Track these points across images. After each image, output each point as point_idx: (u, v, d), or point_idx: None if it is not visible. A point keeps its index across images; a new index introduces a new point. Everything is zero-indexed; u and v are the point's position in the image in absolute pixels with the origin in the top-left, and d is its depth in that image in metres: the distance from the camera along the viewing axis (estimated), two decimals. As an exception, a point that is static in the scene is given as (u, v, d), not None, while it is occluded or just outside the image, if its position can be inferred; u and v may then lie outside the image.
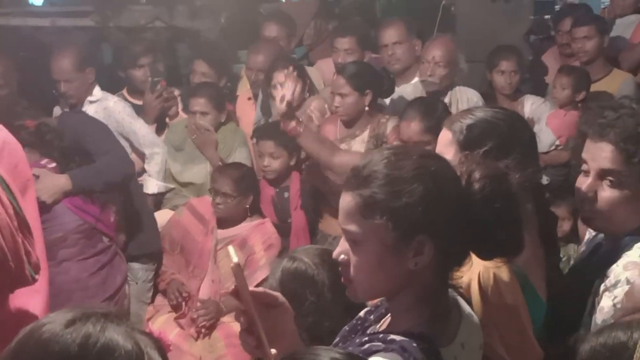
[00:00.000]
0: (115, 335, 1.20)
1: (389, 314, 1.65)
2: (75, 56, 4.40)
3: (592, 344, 1.31)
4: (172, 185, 4.49)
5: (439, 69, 4.18)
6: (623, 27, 5.27)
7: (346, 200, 1.55)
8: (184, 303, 3.96)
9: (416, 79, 4.37)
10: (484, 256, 1.62)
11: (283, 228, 4.10)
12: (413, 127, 3.46)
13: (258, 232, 3.94)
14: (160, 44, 4.95)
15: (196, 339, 3.85)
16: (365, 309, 1.74)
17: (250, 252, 3.89)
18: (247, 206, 3.97)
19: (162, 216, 4.31)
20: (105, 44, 5.66)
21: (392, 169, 1.51)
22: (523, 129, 2.10)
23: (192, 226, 4.06)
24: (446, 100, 4.22)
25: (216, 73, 4.80)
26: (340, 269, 1.58)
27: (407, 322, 1.53)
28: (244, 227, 3.98)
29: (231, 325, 3.80)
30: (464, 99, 4.24)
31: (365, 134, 3.96)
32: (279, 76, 4.31)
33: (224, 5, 5.40)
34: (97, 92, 4.45)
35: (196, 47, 5.21)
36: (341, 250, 1.57)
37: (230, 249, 1.46)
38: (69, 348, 1.17)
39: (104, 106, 4.41)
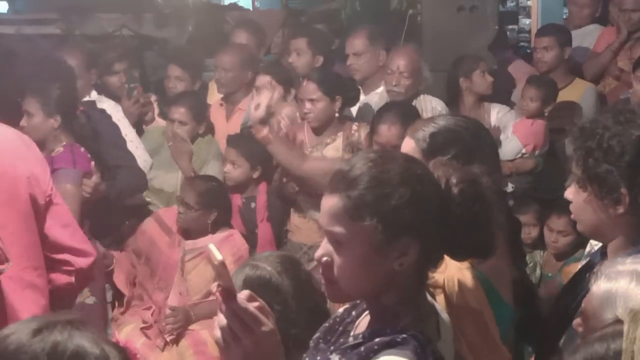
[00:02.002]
0: (83, 342, 1.20)
1: (366, 313, 1.67)
2: (83, 56, 4.45)
3: None
4: (147, 198, 4.45)
5: (404, 79, 4.22)
6: (581, 38, 5.35)
7: (331, 202, 1.56)
8: (150, 314, 3.93)
9: (382, 88, 4.41)
10: (458, 257, 1.67)
11: (251, 239, 4.10)
12: (393, 131, 3.46)
13: (227, 244, 3.91)
14: (130, 51, 4.92)
15: (162, 349, 3.83)
16: (343, 308, 1.75)
17: None
18: (210, 222, 3.93)
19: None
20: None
21: (380, 172, 1.55)
22: (485, 137, 2.15)
23: (158, 237, 4.03)
24: (411, 109, 4.25)
25: (190, 77, 4.80)
26: (321, 270, 1.59)
27: (390, 322, 1.55)
28: (212, 240, 3.95)
29: (200, 332, 3.80)
30: (429, 107, 4.28)
31: (338, 142, 3.97)
32: (264, 80, 4.34)
33: (191, 13, 5.39)
34: (93, 94, 4.50)
35: (166, 53, 5.20)
36: (324, 252, 1.58)
37: (212, 247, 1.41)
38: (38, 357, 1.16)
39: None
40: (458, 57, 4.65)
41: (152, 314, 3.94)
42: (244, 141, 4.18)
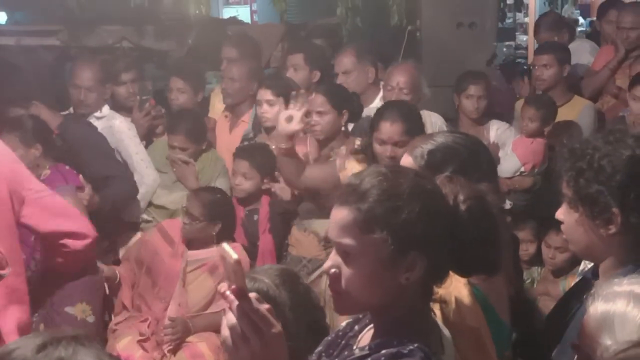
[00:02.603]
0: (87, 358, 1.19)
1: (370, 326, 1.67)
2: (100, 69, 4.48)
3: None
4: (148, 217, 4.45)
5: (403, 95, 4.21)
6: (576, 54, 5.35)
7: (341, 214, 1.57)
8: (147, 326, 3.93)
9: (377, 102, 4.41)
10: (464, 273, 1.69)
11: (252, 251, 4.10)
12: (395, 128, 3.42)
13: None
14: (138, 62, 4.95)
15: (160, 360, 3.83)
16: (346, 322, 1.75)
17: (221, 277, 3.86)
18: (214, 233, 3.92)
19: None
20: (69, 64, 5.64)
21: (391, 186, 1.56)
22: (483, 154, 2.15)
23: (161, 247, 4.02)
24: (410, 124, 4.26)
25: (192, 88, 4.80)
26: (328, 282, 1.60)
27: (396, 335, 1.55)
28: (214, 252, 3.94)
29: (198, 345, 3.79)
30: (428, 122, 4.27)
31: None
32: (264, 94, 4.36)
33: (192, 26, 5.41)
34: (105, 109, 4.50)
35: (167, 65, 5.22)
36: (332, 263, 1.59)
37: (226, 246, 1.40)
38: None
39: (110, 124, 4.44)
40: (461, 73, 4.66)
41: (148, 326, 3.92)
42: (256, 153, 4.20)
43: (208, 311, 3.93)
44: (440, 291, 1.73)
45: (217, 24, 5.86)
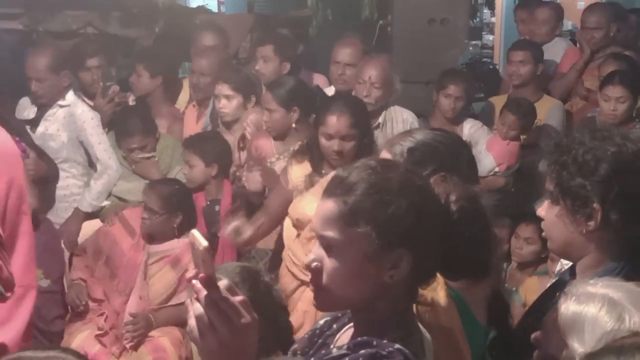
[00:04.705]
0: None
1: (349, 325, 1.63)
2: (53, 57, 4.34)
3: None
4: (106, 202, 4.38)
5: (375, 90, 4.18)
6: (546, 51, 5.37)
7: (327, 206, 1.53)
8: (104, 321, 3.84)
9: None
10: (451, 277, 1.65)
11: (213, 242, 4.03)
12: (342, 121, 3.37)
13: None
14: (105, 49, 4.84)
15: (118, 357, 3.74)
16: (324, 319, 1.71)
17: (183, 270, 3.81)
18: (175, 225, 3.88)
19: (92, 225, 4.23)
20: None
21: (379, 179, 1.51)
22: (463, 153, 2.12)
23: (122, 238, 3.96)
24: (380, 119, 4.24)
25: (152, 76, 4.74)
26: (310, 276, 1.55)
27: (376, 335, 1.50)
28: (177, 244, 3.90)
29: (160, 339, 3.73)
30: (399, 119, 4.26)
31: None
32: (222, 88, 4.30)
33: (159, 14, 5.32)
34: (69, 96, 4.39)
35: (132, 53, 5.12)
36: (314, 257, 1.54)
37: (196, 232, 1.35)
38: None
39: (72, 112, 4.35)
40: (444, 70, 4.63)
41: (105, 320, 3.84)
42: (195, 140, 4.19)
43: (169, 304, 3.86)
44: (426, 293, 1.67)
45: (186, 12, 5.78)
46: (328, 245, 1.52)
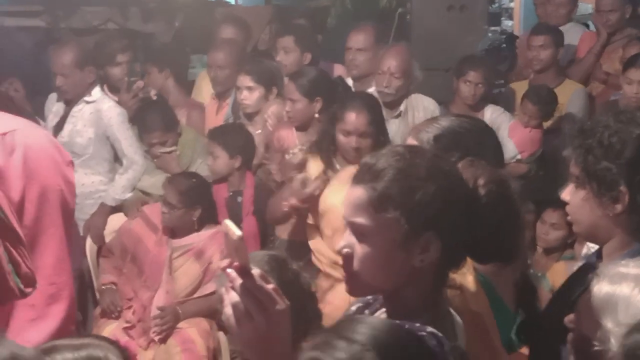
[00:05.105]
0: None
1: (382, 310, 1.64)
2: (77, 53, 4.37)
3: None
4: (128, 195, 4.42)
5: (395, 80, 4.18)
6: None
7: (356, 193, 1.55)
8: (131, 314, 3.88)
9: (373, 88, 4.37)
10: (481, 260, 1.65)
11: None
12: (361, 119, 3.42)
13: (215, 242, 3.87)
14: (133, 44, 4.87)
15: (145, 349, 3.79)
16: (356, 305, 1.72)
17: (208, 262, 3.85)
18: (194, 219, 3.90)
19: (115, 220, 4.27)
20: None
21: (407, 165, 1.53)
22: (489, 139, 2.12)
23: (145, 235, 3.99)
24: (401, 108, 4.24)
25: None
26: (342, 262, 1.57)
27: (408, 319, 1.51)
28: (199, 237, 3.93)
29: (187, 330, 3.76)
30: (420, 106, 4.26)
31: None
32: (244, 80, 4.32)
33: (178, 8, 5.34)
34: (95, 92, 4.43)
35: (151, 48, 5.15)
36: (345, 243, 1.56)
37: (229, 222, 1.37)
38: None
39: (98, 108, 4.40)
40: (463, 57, 4.62)
41: (133, 313, 3.89)
42: (219, 132, 4.20)
43: (195, 296, 3.90)
44: (456, 277, 1.69)
45: (205, 6, 5.79)
46: (358, 232, 1.54)
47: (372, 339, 1.21)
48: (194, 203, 3.89)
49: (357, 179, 1.56)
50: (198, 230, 3.94)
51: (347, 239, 1.56)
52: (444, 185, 1.52)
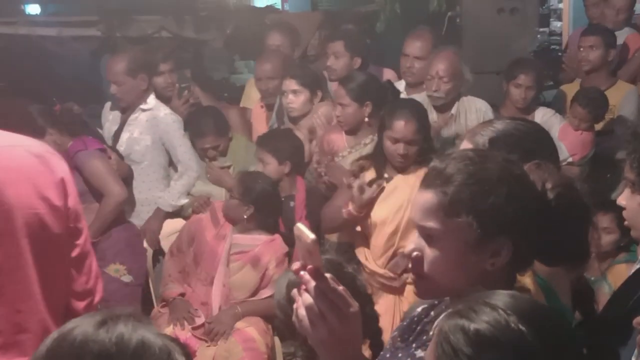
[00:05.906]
0: (147, 333, 1.21)
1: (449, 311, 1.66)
2: (129, 61, 4.48)
3: None
4: (184, 201, 4.51)
5: (444, 84, 4.17)
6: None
7: (426, 197, 1.55)
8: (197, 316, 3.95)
9: (424, 93, 4.37)
10: (550, 263, 1.66)
11: (290, 238, 4.10)
12: (409, 127, 3.47)
13: (270, 249, 3.94)
14: (176, 52, 4.97)
15: (208, 345, 3.86)
16: (422, 307, 1.74)
17: (264, 269, 3.91)
18: (245, 216, 3.94)
19: (173, 224, 4.38)
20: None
21: (477, 169, 1.53)
22: (545, 142, 2.10)
23: (208, 227, 4.06)
24: (453, 111, 4.24)
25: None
26: (410, 265, 1.58)
27: None
28: (254, 241, 3.98)
29: (247, 330, 3.81)
30: (473, 109, 4.24)
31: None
32: (290, 84, 4.37)
33: (229, 16, 5.42)
34: (151, 100, 4.53)
35: (203, 55, 5.24)
36: (415, 246, 1.57)
37: (301, 226, 1.40)
38: (107, 347, 1.18)
39: (154, 115, 4.49)
40: (513, 60, 4.60)
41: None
42: (268, 138, 4.25)
43: (255, 298, 3.95)
44: (522, 280, 1.69)
45: (256, 13, 5.86)
46: (428, 236, 1.55)
47: (512, 305, 1.23)
48: (250, 201, 3.93)
49: (426, 183, 1.57)
50: (258, 230, 3.99)
51: (416, 242, 1.57)
52: (516, 190, 1.52)
